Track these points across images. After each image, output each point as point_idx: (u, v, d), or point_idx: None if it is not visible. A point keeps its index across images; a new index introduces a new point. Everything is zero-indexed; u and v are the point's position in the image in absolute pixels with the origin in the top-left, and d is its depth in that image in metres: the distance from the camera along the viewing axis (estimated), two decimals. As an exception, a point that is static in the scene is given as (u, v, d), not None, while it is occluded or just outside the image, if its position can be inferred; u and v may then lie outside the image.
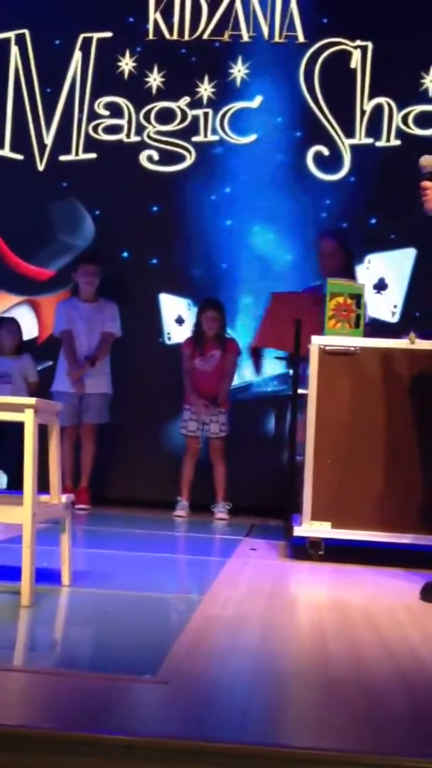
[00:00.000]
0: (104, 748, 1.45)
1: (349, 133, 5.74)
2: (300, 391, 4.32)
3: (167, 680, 1.82)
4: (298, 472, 4.05)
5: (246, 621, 2.44)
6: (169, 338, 5.88)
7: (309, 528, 3.62)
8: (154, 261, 5.85)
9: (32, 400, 2.47)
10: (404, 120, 5.69)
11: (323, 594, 3.02)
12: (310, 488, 3.65)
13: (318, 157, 5.76)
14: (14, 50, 5.87)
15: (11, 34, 5.87)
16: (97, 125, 5.84)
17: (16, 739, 1.48)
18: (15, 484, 5.69)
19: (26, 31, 5.86)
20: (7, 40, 5.88)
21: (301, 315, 4.26)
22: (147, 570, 3.25)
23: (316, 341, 3.74)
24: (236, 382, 5.68)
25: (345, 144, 5.74)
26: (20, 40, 5.87)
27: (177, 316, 5.87)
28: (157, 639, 2.24)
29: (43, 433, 2.59)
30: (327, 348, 3.72)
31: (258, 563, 3.54)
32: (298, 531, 3.64)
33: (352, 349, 3.71)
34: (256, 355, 5.31)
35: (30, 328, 5.83)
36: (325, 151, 5.75)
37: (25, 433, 2.45)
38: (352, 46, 5.75)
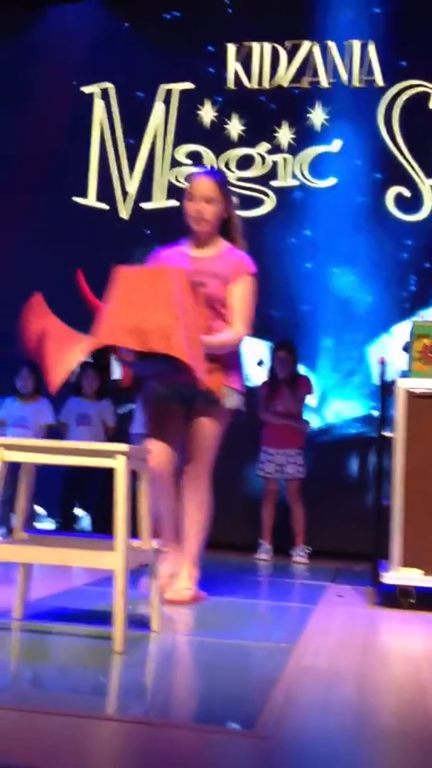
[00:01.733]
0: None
1: (430, 173, 5.71)
2: (385, 434, 4.25)
3: (265, 735, 1.78)
4: (384, 517, 3.96)
5: (340, 673, 2.38)
6: (249, 380, 5.88)
7: (399, 575, 3.53)
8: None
9: (124, 447, 2.49)
10: None
11: (418, 644, 2.93)
12: (400, 534, 3.56)
13: (398, 198, 5.74)
14: (99, 104, 6.07)
15: (96, 88, 6.07)
16: (177, 173, 5.97)
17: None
18: (98, 525, 5.77)
19: (110, 85, 6.06)
20: (92, 94, 6.08)
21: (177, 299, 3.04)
22: (233, 616, 3.21)
23: (403, 384, 3.68)
24: (318, 424, 5.64)
25: (425, 184, 5.71)
26: (105, 94, 6.07)
27: (258, 358, 5.88)
28: (250, 690, 2.21)
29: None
30: (415, 391, 3.65)
31: (347, 611, 3.47)
32: (388, 578, 3.56)
33: (442, 391, 3.64)
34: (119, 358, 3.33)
35: (115, 371, 5.92)
36: (406, 192, 5.73)
37: (116, 479, 2.46)
38: (431, 88, 5.75)
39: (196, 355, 2.96)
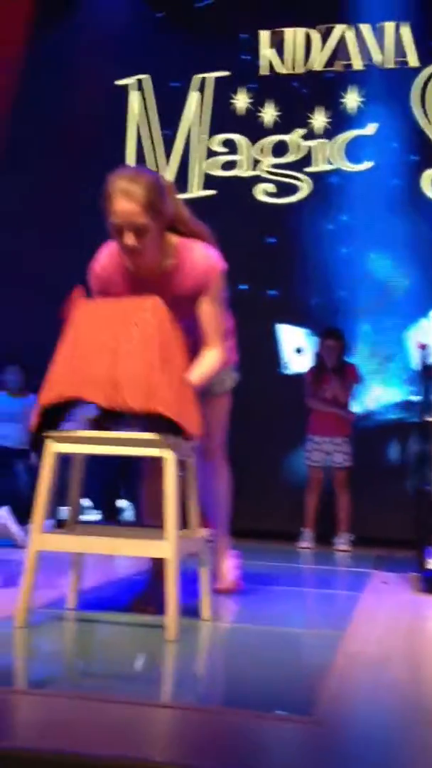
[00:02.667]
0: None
1: (466, 154, 5.66)
2: (428, 419, 4.24)
3: (321, 721, 1.80)
4: (426, 503, 3.95)
5: (391, 659, 2.40)
6: (288, 368, 5.89)
7: (444, 561, 3.53)
8: (272, 292, 5.89)
9: (173, 437, 2.51)
10: None
11: (466, 630, 2.93)
12: (445, 520, 3.55)
13: (435, 181, 5.69)
14: (134, 95, 6.08)
15: (132, 80, 6.08)
16: (213, 162, 5.96)
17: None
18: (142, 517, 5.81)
19: (145, 76, 6.07)
20: (127, 86, 6.10)
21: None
22: (279, 604, 3.24)
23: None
24: (358, 410, 5.63)
25: (462, 165, 5.66)
26: (140, 85, 6.08)
27: (296, 346, 5.88)
28: (303, 677, 2.23)
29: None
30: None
31: (392, 597, 3.47)
32: (433, 564, 3.56)
33: None
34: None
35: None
36: (442, 174, 5.67)
37: (165, 469, 2.49)
38: (466, 67, 5.69)
39: (183, 408, 2.47)
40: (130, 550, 2.59)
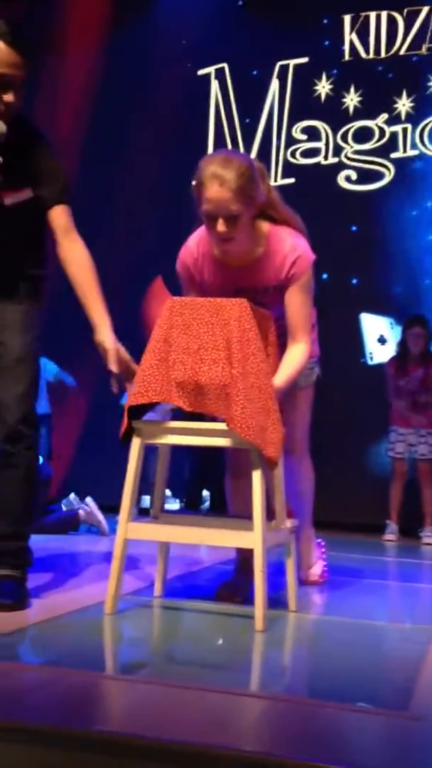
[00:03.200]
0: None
1: None
2: None
3: (419, 716, 1.76)
4: None
5: None
6: (371, 358, 5.80)
7: None
8: (355, 281, 5.81)
9: (259, 427, 2.50)
10: None
11: None
12: None
13: None
14: (214, 84, 6.08)
15: (212, 69, 6.07)
16: (295, 150, 5.91)
17: (256, 765, 1.48)
18: (218, 504, 5.84)
19: (225, 65, 6.05)
20: (208, 75, 6.10)
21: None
22: (366, 597, 3.20)
23: None
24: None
25: None
26: (220, 74, 6.07)
27: (379, 335, 5.79)
28: (396, 670, 2.19)
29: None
30: None
31: None
32: None
33: None
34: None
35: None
36: None
37: (253, 460, 2.48)
38: None
39: (261, 427, 2.42)
40: (217, 540, 2.60)
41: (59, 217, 2.67)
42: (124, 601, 2.63)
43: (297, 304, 2.71)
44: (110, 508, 5.40)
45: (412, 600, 3.37)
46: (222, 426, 2.50)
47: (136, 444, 2.57)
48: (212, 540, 2.60)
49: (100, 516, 4.67)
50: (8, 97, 2.50)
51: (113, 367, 2.56)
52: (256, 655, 2.30)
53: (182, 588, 3.03)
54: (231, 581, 2.87)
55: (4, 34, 2.44)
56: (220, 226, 2.55)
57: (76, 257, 2.66)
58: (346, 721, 1.73)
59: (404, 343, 5.39)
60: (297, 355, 2.71)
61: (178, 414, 2.57)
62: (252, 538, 2.44)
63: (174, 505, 5.94)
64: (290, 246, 2.69)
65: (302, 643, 2.53)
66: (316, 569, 3.23)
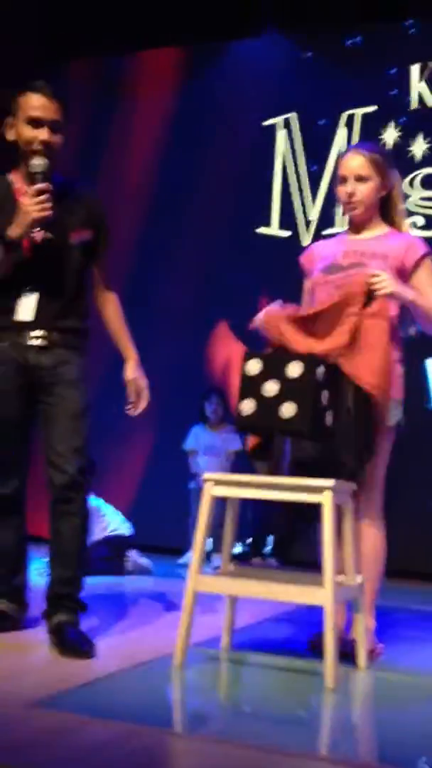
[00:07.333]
0: None
1: None
2: None
3: None
4: None
5: None
6: (439, 404, 5.73)
7: None
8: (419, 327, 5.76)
9: (330, 482, 2.50)
10: None
11: None
12: None
13: None
14: (281, 133, 6.16)
15: (279, 119, 6.17)
16: (361, 197, 5.94)
17: None
18: (280, 549, 5.80)
19: (293, 114, 6.13)
20: (275, 125, 6.19)
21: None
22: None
23: None
24: None
25: None
26: (287, 123, 6.16)
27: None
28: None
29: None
30: None
31: None
32: None
33: None
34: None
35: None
36: None
37: (323, 515, 2.48)
38: None
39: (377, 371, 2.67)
40: (287, 596, 2.58)
41: (103, 264, 2.89)
42: (192, 654, 2.63)
43: (425, 279, 2.91)
44: (164, 549, 5.46)
45: None
46: (291, 481, 2.51)
47: (206, 496, 2.59)
48: (282, 596, 2.59)
49: (143, 561, 4.84)
50: (42, 135, 2.71)
51: (130, 395, 2.90)
52: (324, 714, 2.27)
53: (249, 641, 3.01)
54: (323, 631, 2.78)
55: (42, 88, 2.72)
56: (350, 187, 2.92)
57: (113, 302, 2.93)
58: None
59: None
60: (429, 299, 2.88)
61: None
62: (321, 595, 2.42)
63: (236, 548, 5.92)
64: (408, 234, 3.03)
65: (374, 703, 2.48)
66: (368, 646, 2.75)
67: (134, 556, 4.86)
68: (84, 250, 2.81)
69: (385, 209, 3.01)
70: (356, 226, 3.00)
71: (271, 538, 5.87)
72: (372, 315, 2.69)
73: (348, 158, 2.97)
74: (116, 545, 4.82)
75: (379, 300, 2.71)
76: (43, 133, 2.69)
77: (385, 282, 2.71)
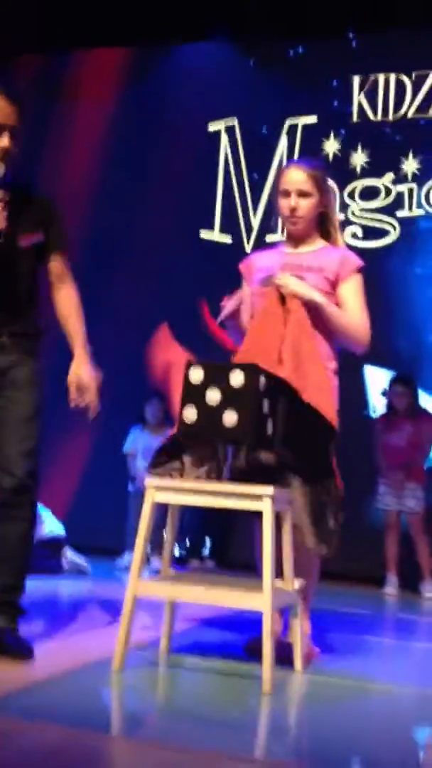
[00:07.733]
0: None
1: None
2: None
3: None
4: None
5: None
6: (374, 411, 5.86)
7: None
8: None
9: (270, 490, 2.55)
10: None
11: None
12: None
13: None
14: (224, 139, 6.22)
15: (222, 125, 6.22)
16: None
17: None
18: (218, 551, 5.85)
19: (235, 122, 6.20)
20: (218, 132, 6.24)
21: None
22: (373, 655, 3.21)
23: None
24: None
25: None
26: (230, 130, 6.22)
27: (382, 389, 5.85)
28: (405, 739, 2.21)
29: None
30: None
31: None
32: None
33: None
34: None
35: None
36: None
37: (263, 522, 2.53)
38: None
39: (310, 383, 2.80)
40: (226, 602, 2.62)
41: (60, 261, 2.86)
42: (131, 658, 2.65)
43: (351, 291, 3.04)
44: (101, 550, 5.46)
45: (424, 660, 3.38)
46: (231, 488, 2.55)
47: (148, 503, 2.61)
48: (222, 601, 2.63)
49: (80, 559, 4.85)
50: (3, 142, 2.66)
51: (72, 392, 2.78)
52: (261, 719, 2.32)
53: (188, 644, 3.04)
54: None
55: (1, 92, 2.65)
56: (293, 201, 3.01)
57: (70, 298, 2.87)
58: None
59: (390, 400, 5.49)
60: (356, 320, 3.02)
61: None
62: (260, 600, 2.47)
63: (175, 551, 5.95)
64: (343, 250, 3.12)
65: (310, 707, 2.54)
66: (305, 649, 2.80)
67: (70, 555, 4.87)
68: (37, 253, 2.79)
69: (322, 224, 3.10)
70: (294, 240, 3.10)
71: (208, 540, 5.92)
72: (289, 311, 2.86)
73: (290, 173, 3.07)
74: (53, 545, 4.82)
75: (292, 300, 2.86)
76: (3, 140, 2.64)
77: (288, 281, 2.88)
